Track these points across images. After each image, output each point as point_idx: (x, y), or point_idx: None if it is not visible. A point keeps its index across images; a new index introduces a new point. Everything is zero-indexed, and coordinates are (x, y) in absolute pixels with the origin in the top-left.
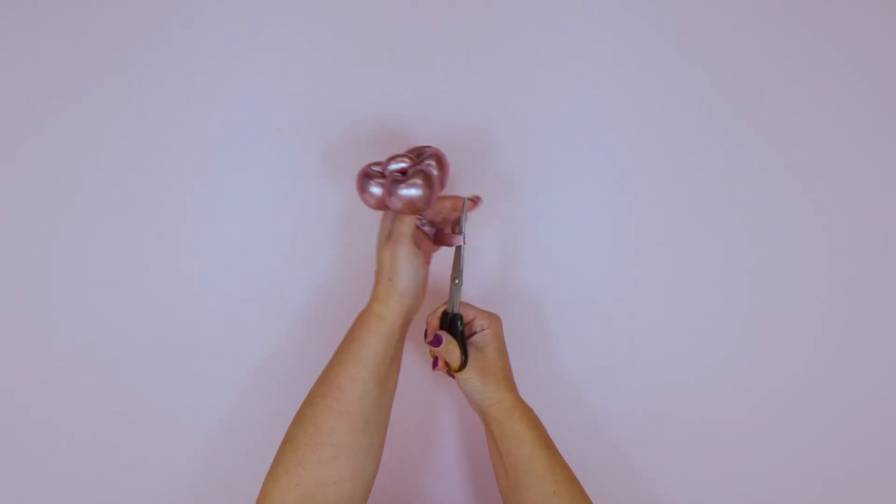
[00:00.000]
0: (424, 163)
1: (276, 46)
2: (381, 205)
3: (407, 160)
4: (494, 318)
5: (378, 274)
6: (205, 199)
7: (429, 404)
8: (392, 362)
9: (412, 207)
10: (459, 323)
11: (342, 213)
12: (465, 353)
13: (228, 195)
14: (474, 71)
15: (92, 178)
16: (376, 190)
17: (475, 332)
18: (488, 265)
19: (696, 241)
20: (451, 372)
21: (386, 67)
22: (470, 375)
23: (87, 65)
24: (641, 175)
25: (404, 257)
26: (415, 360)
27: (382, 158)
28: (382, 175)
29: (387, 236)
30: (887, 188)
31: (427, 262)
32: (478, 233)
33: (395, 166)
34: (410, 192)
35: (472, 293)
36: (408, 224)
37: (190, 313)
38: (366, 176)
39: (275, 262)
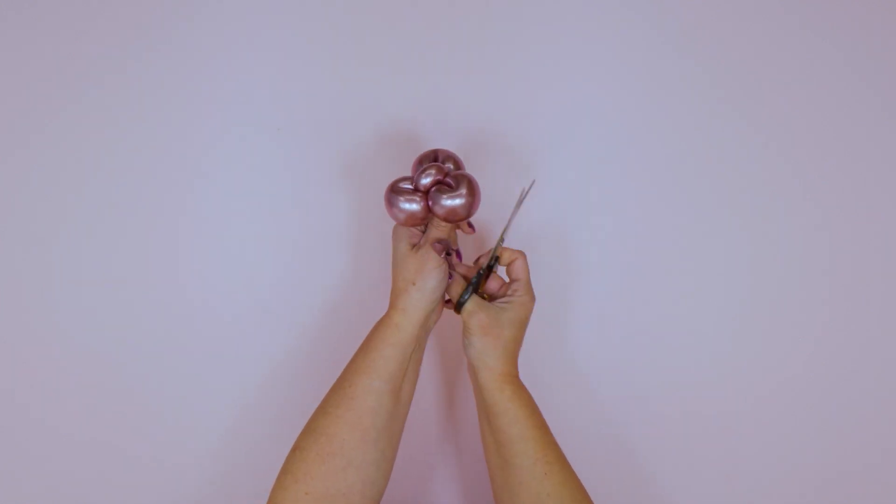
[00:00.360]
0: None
1: (276, 46)
2: (412, 220)
3: (434, 170)
4: (530, 295)
5: (398, 282)
6: (205, 198)
7: (438, 406)
8: (408, 374)
9: (456, 216)
10: (483, 270)
11: (344, 212)
12: (469, 293)
13: (228, 195)
14: (475, 70)
15: (92, 178)
16: (409, 206)
17: (507, 295)
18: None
19: (695, 240)
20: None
21: (386, 67)
22: (471, 323)
23: (87, 65)
24: (642, 175)
25: (433, 264)
26: (427, 364)
27: (406, 172)
28: (414, 190)
29: (411, 245)
30: (887, 188)
31: (449, 274)
32: (476, 233)
33: (426, 180)
34: (455, 201)
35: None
36: (442, 231)
37: (191, 315)
38: (395, 192)
39: (276, 262)
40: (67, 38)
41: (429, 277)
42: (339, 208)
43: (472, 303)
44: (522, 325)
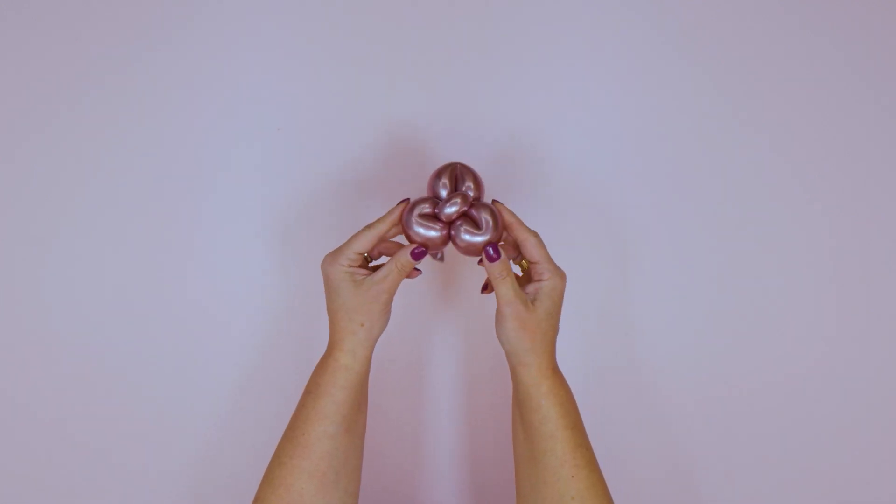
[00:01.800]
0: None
1: (276, 46)
2: (428, 245)
3: (460, 200)
4: (559, 275)
5: (342, 322)
6: (203, 198)
7: (417, 404)
8: (360, 406)
9: (474, 252)
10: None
11: (345, 211)
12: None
13: (227, 195)
14: (475, 70)
15: (92, 179)
16: (429, 233)
17: (534, 280)
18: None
19: (694, 239)
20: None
21: (386, 67)
22: (507, 312)
23: (87, 65)
24: (642, 175)
25: (384, 301)
26: (401, 360)
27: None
28: (434, 216)
29: (353, 281)
30: (888, 188)
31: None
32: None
33: (451, 209)
34: (477, 239)
35: (466, 290)
36: (407, 269)
37: (190, 316)
38: (418, 216)
39: (275, 262)
40: (67, 38)
41: (379, 315)
42: (340, 208)
43: (511, 290)
44: (557, 310)
